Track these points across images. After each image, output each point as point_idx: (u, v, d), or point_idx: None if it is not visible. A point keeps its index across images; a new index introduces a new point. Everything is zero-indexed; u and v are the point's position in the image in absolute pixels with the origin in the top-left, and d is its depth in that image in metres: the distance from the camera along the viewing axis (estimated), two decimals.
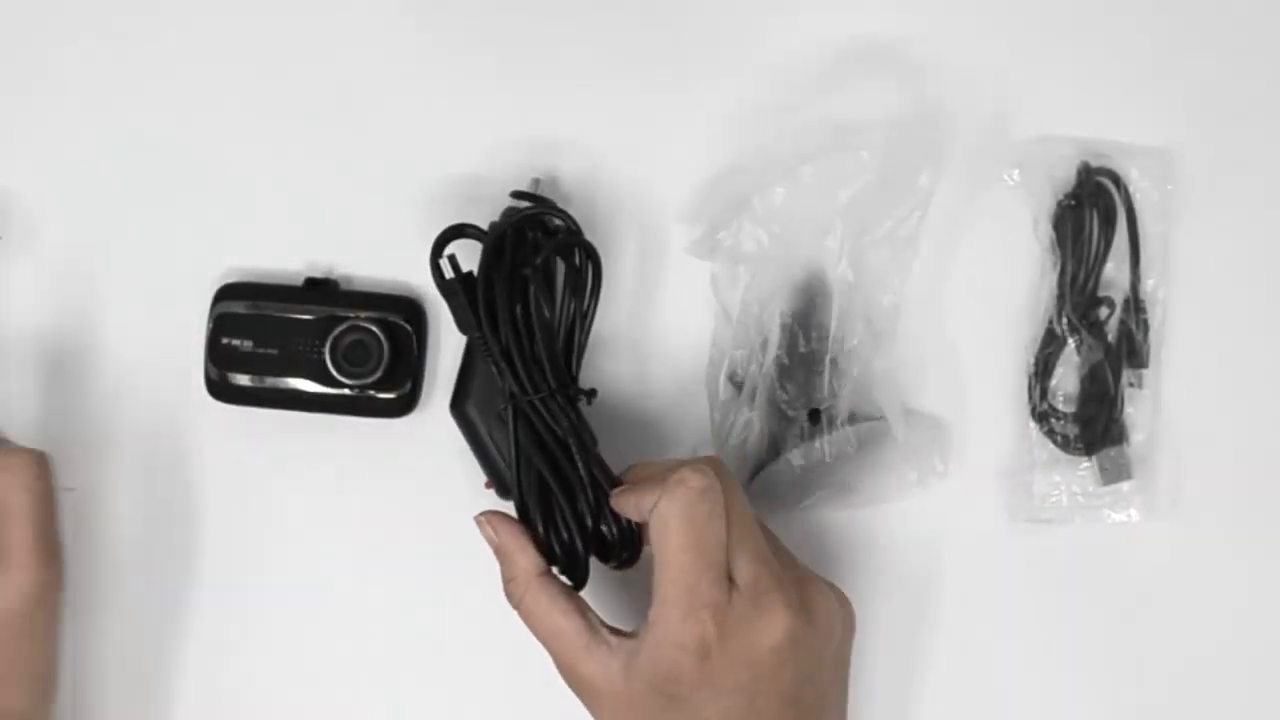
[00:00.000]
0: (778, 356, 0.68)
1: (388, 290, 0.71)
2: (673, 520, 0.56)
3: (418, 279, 0.71)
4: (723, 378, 0.69)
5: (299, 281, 0.70)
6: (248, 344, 0.69)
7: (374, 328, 0.69)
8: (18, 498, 0.62)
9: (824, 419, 0.68)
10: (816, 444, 0.68)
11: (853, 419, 0.68)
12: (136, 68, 0.72)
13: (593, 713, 0.60)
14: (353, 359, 0.69)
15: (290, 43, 0.72)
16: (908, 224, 0.68)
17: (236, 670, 0.71)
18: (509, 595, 0.61)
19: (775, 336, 0.68)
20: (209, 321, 0.70)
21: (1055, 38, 0.72)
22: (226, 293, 0.70)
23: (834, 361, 0.68)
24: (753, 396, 0.68)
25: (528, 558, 0.61)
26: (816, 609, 0.58)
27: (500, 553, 0.62)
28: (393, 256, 0.71)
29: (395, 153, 0.72)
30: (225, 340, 0.69)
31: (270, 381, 0.69)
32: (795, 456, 0.68)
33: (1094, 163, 0.70)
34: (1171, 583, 0.71)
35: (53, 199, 0.72)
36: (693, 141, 0.71)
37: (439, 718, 0.71)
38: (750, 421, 0.68)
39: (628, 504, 0.61)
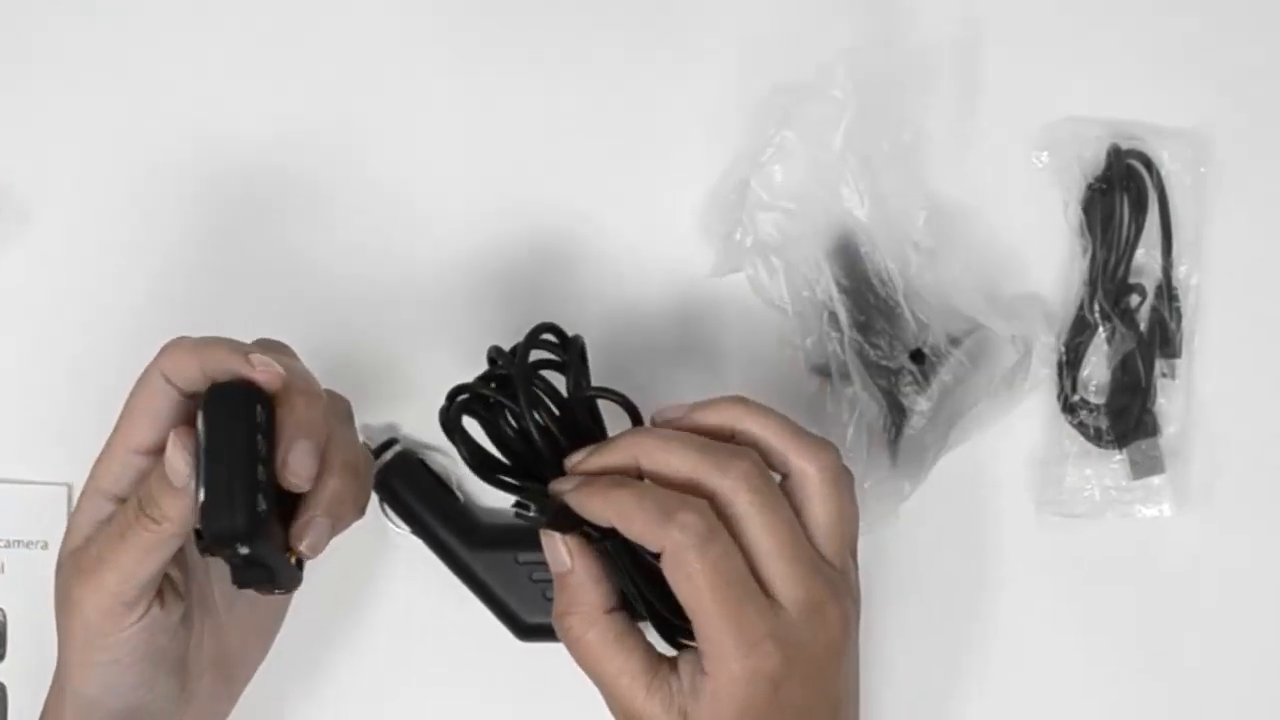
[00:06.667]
0: (855, 319, 0.67)
1: None
2: (694, 569, 0.54)
3: None
4: (805, 372, 0.68)
5: None
6: None
7: None
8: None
9: (928, 353, 0.67)
10: (933, 380, 0.66)
11: (953, 340, 0.67)
12: (136, 66, 0.72)
13: None
14: None
15: (290, 39, 0.72)
16: (903, 139, 0.67)
17: None
18: (567, 628, 0.57)
19: (841, 304, 0.67)
20: None
21: (1085, 17, 0.71)
22: None
23: (907, 296, 0.67)
24: (845, 373, 0.66)
25: (601, 592, 0.57)
26: (849, 599, 0.57)
27: (568, 580, 0.57)
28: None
29: (394, 153, 0.71)
30: None
31: None
32: (920, 404, 0.66)
33: (1124, 145, 0.69)
34: (1205, 579, 0.70)
35: (51, 198, 0.71)
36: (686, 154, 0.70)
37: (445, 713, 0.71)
38: (855, 396, 0.66)
39: (594, 505, 0.56)
